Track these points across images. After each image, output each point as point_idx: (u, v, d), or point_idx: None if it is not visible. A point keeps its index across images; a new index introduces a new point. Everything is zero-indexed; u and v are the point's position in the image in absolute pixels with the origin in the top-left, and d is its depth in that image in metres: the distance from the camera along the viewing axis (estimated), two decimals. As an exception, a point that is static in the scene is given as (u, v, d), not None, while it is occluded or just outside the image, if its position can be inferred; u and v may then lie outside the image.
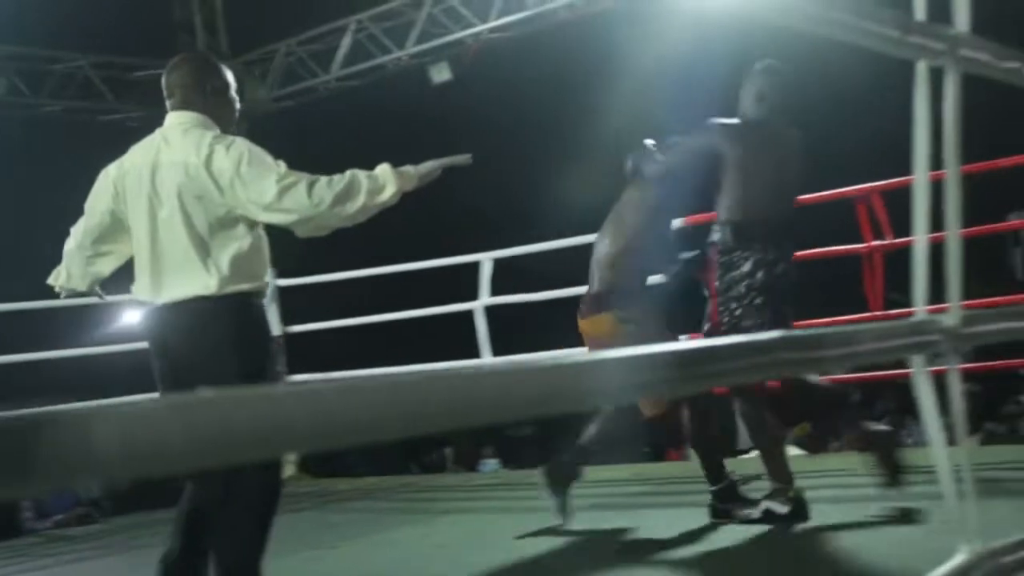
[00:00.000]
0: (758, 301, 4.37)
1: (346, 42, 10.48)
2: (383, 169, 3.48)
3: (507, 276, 7.31)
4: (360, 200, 3.38)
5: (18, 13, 9.62)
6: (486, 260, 7.25)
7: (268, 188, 3.28)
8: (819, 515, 4.47)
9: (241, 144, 3.36)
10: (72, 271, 3.77)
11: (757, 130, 4.51)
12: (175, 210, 3.33)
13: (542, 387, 0.93)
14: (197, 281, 3.31)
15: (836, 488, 5.23)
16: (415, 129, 14.14)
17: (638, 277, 4.84)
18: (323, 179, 3.33)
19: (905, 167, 1.63)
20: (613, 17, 9.46)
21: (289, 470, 8.40)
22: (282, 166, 3.33)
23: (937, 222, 1.62)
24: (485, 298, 7.12)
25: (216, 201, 3.31)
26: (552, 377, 0.94)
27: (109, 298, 4.18)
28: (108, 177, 3.60)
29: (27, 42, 10.39)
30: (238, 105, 3.67)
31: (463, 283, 7.44)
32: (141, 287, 3.45)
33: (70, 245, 3.75)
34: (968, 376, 7.89)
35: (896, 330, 1.54)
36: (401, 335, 8.77)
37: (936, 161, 1.61)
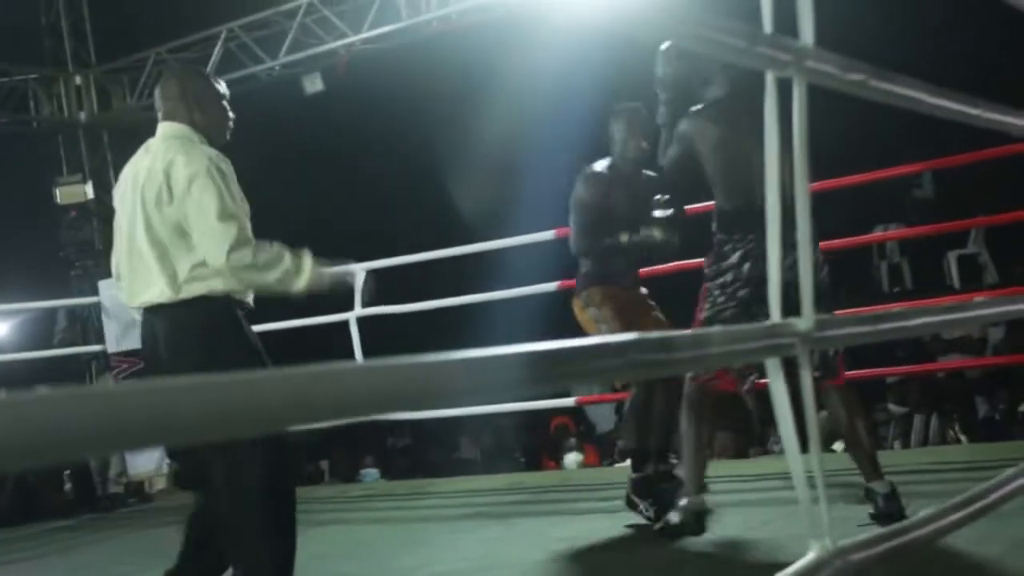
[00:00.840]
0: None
1: (217, 51, 10.35)
2: (307, 261, 3.46)
3: (383, 286, 7.28)
4: (272, 276, 3.38)
5: None
6: (359, 270, 7.20)
7: (202, 221, 3.29)
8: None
9: (203, 162, 3.35)
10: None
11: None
12: (141, 215, 3.37)
13: (387, 386, 0.94)
14: (155, 287, 3.35)
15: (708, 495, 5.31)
16: (288, 139, 14.04)
17: (594, 261, 4.87)
18: (253, 242, 3.33)
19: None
20: (486, 29, 9.51)
21: (160, 483, 8.26)
22: (230, 206, 3.32)
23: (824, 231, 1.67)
24: (358, 309, 7.09)
25: (172, 207, 3.33)
26: (396, 377, 0.95)
27: None
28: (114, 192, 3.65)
29: None
30: (230, 115, 3.65)
31: (338, 294, 7.39)
32: (122, 291, 3.56)
33: None
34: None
35: (749, 333, 1.58)
36: (277, 346, 8.67)
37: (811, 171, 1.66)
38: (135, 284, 3.43)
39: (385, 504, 5.30)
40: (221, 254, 3.27)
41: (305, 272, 3.44)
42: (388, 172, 14.99)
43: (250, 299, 3.53)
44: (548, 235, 6.49)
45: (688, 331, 1.35)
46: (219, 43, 10.33)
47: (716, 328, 1.35)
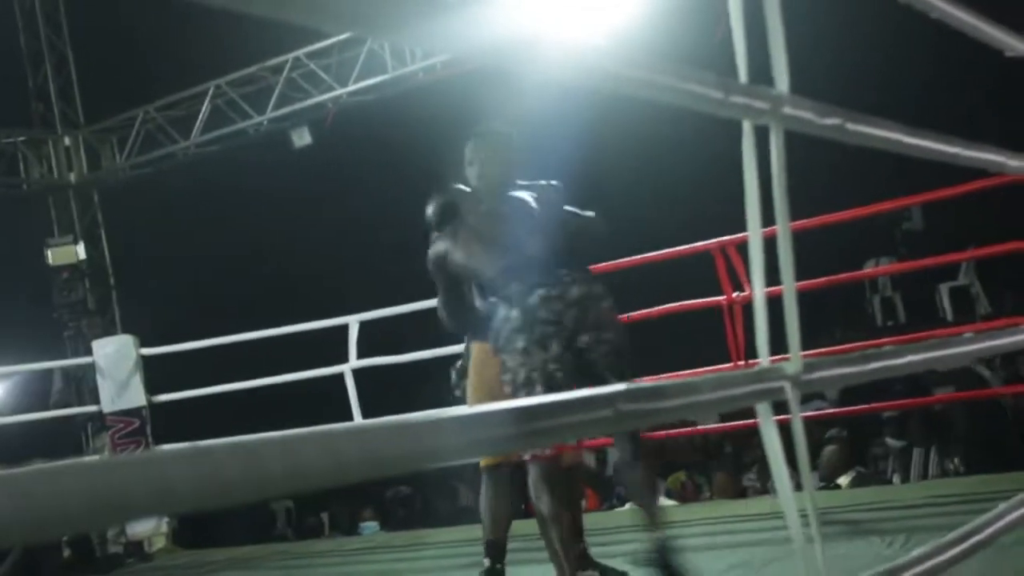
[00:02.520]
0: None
1: (205, 108, 10.40)
2: None
3: (375, 338, 7.29)
4: None
5: None
6: (353, 322, 7.22)
7: None
8: (696, 562, 4.54)
9: None
10: None
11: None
12: None
13: (379, 448, 0.95)
14: None
15: (706, 536, 5.31)
16: (277, 194, 14.08)
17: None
18: None
19: (767, 218, 1.70)
20: (471, 79, 9.58)
21: (159, 543, 8.22)
22: None
23: (802, 271, 1.69)
24: (353, 361, 7.09)
25: None
26: (388, 438, 0.96)
27: None
28: None
29: None
30: None
31: (329, 346, 7.41)
32: None
33: None
34: (835, 421, 8.12)
35: (739, 379, 1.59)
36: (271, 401, 8.67)
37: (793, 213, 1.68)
38: None
39: (386, 556, 5.28)
40: None
41: None
42: (377, 223, 15.03)
43: None
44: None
45: (673, 379, 1.36)
46: (207, 100, 10.39)
47: (703, 376, 1.36)
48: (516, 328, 3.91)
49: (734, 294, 6.47)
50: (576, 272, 4.02)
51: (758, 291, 1.65)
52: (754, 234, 1.64)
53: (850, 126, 1.80)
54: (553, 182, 4.40)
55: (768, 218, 1.67)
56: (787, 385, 1.57)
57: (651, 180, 13.64)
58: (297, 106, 9.91)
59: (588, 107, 10.90)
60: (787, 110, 1.63)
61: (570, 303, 3.89)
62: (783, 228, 1.64)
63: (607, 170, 13.05)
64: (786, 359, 1.61)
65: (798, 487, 1.66)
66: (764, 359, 1.62)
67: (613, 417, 1.24)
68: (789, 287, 1.65)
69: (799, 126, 1.67)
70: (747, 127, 1.61)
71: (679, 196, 13.41)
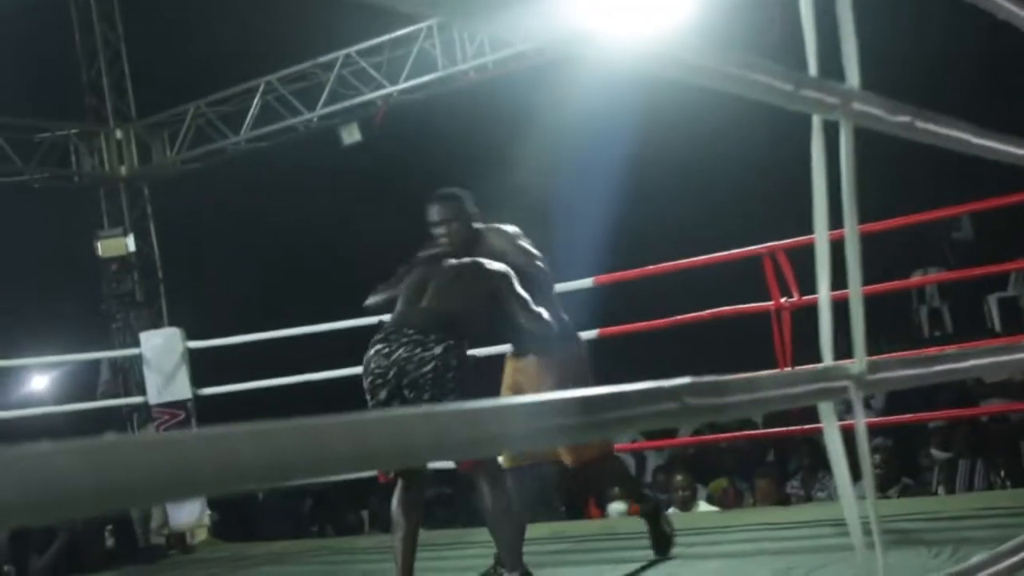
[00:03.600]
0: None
1: (256, 104, 10.46)
2: None
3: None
4: None
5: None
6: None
7: None
8: (733, 568, 4.52)
9: None
10: None
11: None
12: None
13: (430, 435, 0.93)
14: None
15: (749, 543, 5.27)
16: (326, 190, 14.13)
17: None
18: None
19: (808, 224, 1.67)
20: (522, 77, 9.58)
21: (201, 535, 8.25)
22: None
23: (842, 278, 1.66)
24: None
25: None
26: (438, 426, 0.95)
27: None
28: None
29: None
30: None
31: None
32: None
33: None
34: (881, 430, 8.04)
35: (802, 377, 1.57)
36: (315, 397, 8.70)
37: (838, 217, 1.65)
38: None
39: (426, 554, 5.25)
40: None
41: None
42: (425, 221, 15.03)
43: None
44: (586, 282, 6.49)
45: (741, 375, 1.34)
46: (257, 96, 10.45)
47: (768, 372, 1.34)
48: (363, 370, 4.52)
49: (782, 299, 6.43)
50: (432, 336, 4.43)
51: (823, 290, 1.63)
52: (820, 233, 1.62)
53: (919, 124, 1.77)
54: (487, 263, 4.71)
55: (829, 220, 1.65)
56: (851, 385, 1.55)
57: (698, 183, 13.57)
58: (347, 103, 9.94)
59: (636, 108, 10.89)
60: (857, 106, 1.61)
61: (393, 361, 4.38)
62: (851, 227, 1.61)
63: (654, 171, 13.01)
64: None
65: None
66: (827, 358, 1.59)
67: (679, 410, 1.22)
68: (855, 286, 1.63)
69: (869, 122, 1.64)
70: (816, 123, 1.59)
71: (721, 199, 13.33)
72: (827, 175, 1.64)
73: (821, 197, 1.59)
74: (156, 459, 0.76)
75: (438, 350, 4.43)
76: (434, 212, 4.88)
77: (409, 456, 0.92)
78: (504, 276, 4.65)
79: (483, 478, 4.50)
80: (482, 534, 6.77)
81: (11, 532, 7.68)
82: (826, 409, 1.56)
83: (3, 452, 0.69)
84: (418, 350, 4.41)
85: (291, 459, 0.84)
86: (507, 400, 0.98)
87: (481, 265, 4.70)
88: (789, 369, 5.27)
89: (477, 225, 4.90)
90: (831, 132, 1.64)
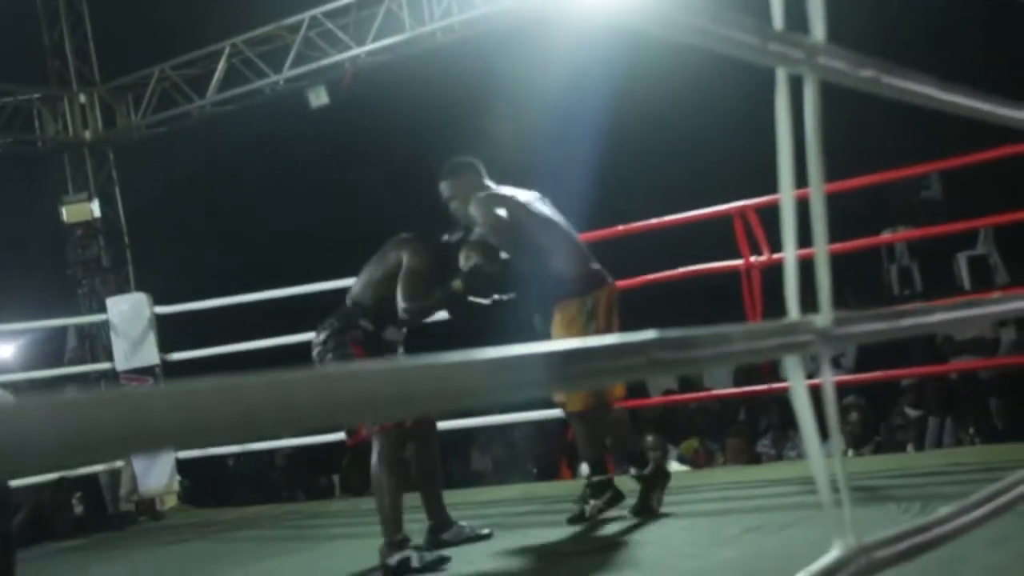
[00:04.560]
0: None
1: (221, 66, 10.36)
2: None
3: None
4: None
5: None
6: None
7: None
8: (710, 527, 4.55)
9: None
10: None
11: None
12: None
13: (413, 386, 0.93)
14: None
15: (720, 501, 5.30)
16: (293, 154, 14.05)
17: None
18: None
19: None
20: (490, 38, 9.52)
21: (171, 501, 8.24)
22: None
23: (811, 235, 1.65)
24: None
25: None
26: (423, 376, 0.94)
27: None
28: None
29: None
30: None
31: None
32: None
33: None
34: (855, 389, 8.09)
35: (769, 331, 1.56)
36: (284, 361, 8.68)
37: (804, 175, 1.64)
38: None
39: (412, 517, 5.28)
40: None
41: None
42: (394, 183, 15.00)
43: None
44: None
45: (708, 329, 1.34)
46: (223, 59, 10.35)
47: (734, 326, 1.33)
48: None
49: (752, 258, 6.45)
50: (326, 321, 4.91)
51: (789, 245, 1.62)
52: (785, 186, 1.61)
53: (885, 79, 1.77)
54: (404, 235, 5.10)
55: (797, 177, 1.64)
56: (817, 338, 1.55)
57: (672, 140, 13.57)
58: (314, 65, 9.86)
59: (607, 67, 10.85)
60: (822, 60, 1.60)
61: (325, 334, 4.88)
62: (816, 179, 1.61)
63: (627, 129, 12.98)
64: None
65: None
66: (793, 312, 1.59)
67: (646, 364, 1.22)
68: (821, 242, 1.62)
69: (834, 76, 1.63)
70: (781, 76, 1.58)
71: (697, 157, 13.33)
72: (794, 131, 1.63)
73: (786, 151, 1.59)
74: (119, 414, 0.75)
75: (321, 336, 4.86)
76: (441, 187, 5.13)
77: (374, 410, 0.91)
78: (412, 254, 4.84)
79: (375, 448, 4.82)
80: (453, 496, 6.79)
81: None
82: (792, 364, 1.56)
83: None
84: (314, 337, 4.91)
85: (258, 414, 0.83)
86: (473, 354, 0.97)
87: (402, 241, 4.85)
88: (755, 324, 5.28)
89: (484, 193, 5.01)
90: (798, 88, 1.63)
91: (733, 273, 6.59)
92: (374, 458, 4.81)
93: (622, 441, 5.31)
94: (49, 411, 0.72)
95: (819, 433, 1.63)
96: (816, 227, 1.58)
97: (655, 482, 5.05)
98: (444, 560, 4.61)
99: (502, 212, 4.93)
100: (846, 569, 1.50)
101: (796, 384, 1.57)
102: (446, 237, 4.99)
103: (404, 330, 5.02)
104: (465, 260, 4.86)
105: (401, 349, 5.06)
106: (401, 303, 4.80)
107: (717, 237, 6.87)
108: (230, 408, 0.82)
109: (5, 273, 12.35)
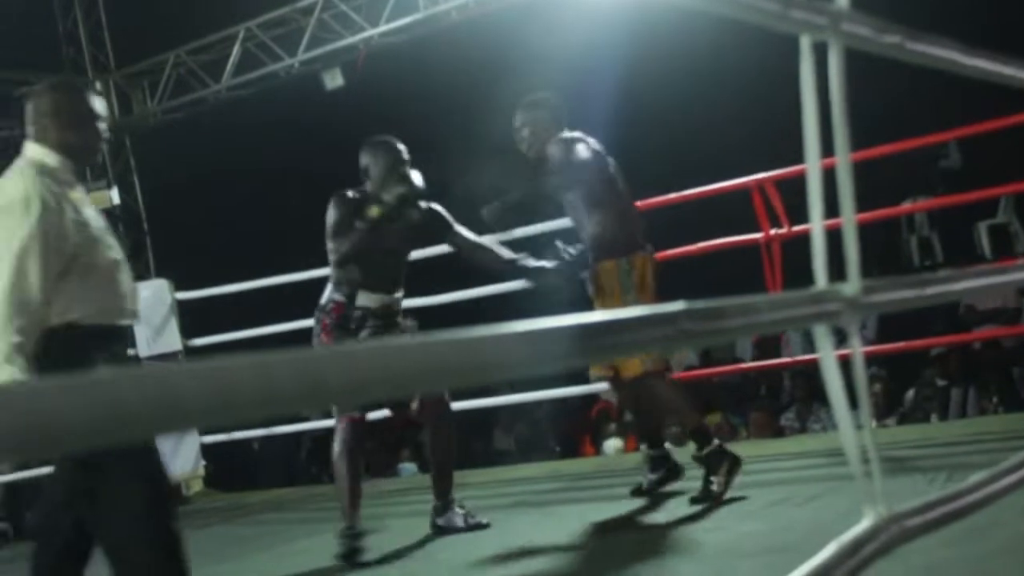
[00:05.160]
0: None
1: (236, 51, 10.35)
2: None
3: (409, 278, 7.27)
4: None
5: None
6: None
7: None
8: (735, 501, 4.55)
9: (16, 192, 3.17)
10: None
11: None
12: None
13: (441, 360, 0.92)
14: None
15: (746, 475, 5.29)
16: (310, 136, 14.04)
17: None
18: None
19: (798, 156, 1.65)
20: (505, 17, 9.48)
21: (196, 486, 8.28)
22: (17, 246, 3.12)
23: (833, 206, 1.64)
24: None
25: None
26: (451, 351, 0.94)
27: None
28: None
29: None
30: (104, 135, 3.48)
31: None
32: None
33: None
34: (876, 360, 8.07)
35: (797, 300, 1.55)
36: (307, 343, 8.69)
37: (829, 144, 1.63)
38: None
39: (424, 497, 5.28)
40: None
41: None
42: (414, 163, 14.96)
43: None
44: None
45: (736, 299, 1.33)
46: (237, 43, 10.34)
47: (763, 296, 1.32)
48: None
49: (772, 231, 6.43)
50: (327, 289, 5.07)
51: (816, 215, 1.61)
52: (811, 153, 1.60)
53: (909, 44, 1.75)
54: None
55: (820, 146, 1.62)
56: (845, 307, 1.54)
57: (691, 114, 13.52)
58: (328, 48, 9.84)
59: (621, 41, 10.79)
60: (846, 26, 1.58)
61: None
62: (842, 153, 1.59)
63: (645, 102, 12.94)
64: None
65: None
66: (821, 281, 1.58)
67: (675, 335, 1.21)
68: (849, 210, 1.61)
69: (858, 43, 1.62)
70: (805, 43, 1.56)
71: (716, 129, 13.28)
72: (817, 99, 1.62)
73: (812, 116, 1.57)
74: (147, 392, 0.75)
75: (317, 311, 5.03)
76: (515, 117, 5.12)
77: (402, 386, 0.90)
78: (327, 213, 4.90)
79: (337, 437, 4.84)
80: (478, 475, 6.81)
81: (5, 489, 7.68)
82: (821, 333, 1.55)
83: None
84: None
85: (287, 390, 0.83)
86: (505, 327, 0.97)
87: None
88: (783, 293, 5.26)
89: (561, 135, 4.97)
90: (820, 55, 1.62)
91: (747, 248, 6.58)
92: (336, 447, 4.84)
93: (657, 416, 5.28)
94: (80, 390, 0.72)
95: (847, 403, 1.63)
96: (843, 195, 1.56)
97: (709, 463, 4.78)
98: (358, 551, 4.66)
99: (585, 155, 4.91)
100: (878, 538, 1.50)
101: (826, 354, 1.56)
102: (351, 193, 4.93)
103: (394, 295, 5.00)
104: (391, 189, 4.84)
105: (394, 314, 5.03)
106: (330, 258, 4.90)
107: (730, 210, 6.85)
108: (260, 384, 0.82)
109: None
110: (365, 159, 5.01)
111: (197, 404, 0.78)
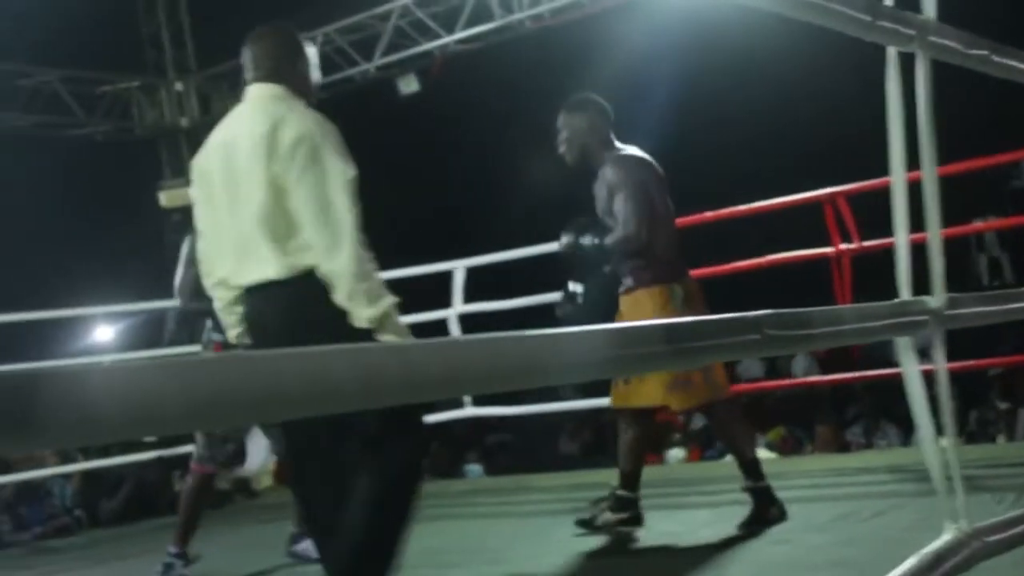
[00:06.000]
0: None
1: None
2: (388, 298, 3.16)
3: (481, 284, 7.31)
4: (364, 285, 3.08)
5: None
6: (459, 268, 7.25)
7: (313, 196, 3.08)
8: (800, 514, 4.52)
9: (310, 125, 3.17)
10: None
11: None
12: (243, 186, 3.11)
13: (530, 357, 0.95)
14: (267, 265, 3.08)
15: (811, 488, 5.27)
16: (384, 141, 14.15)
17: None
18: (360, 249, 3.10)
19: (867, 171, 1.66)
20: (579, 26, 9.51)
21: (266, 481, 8.36)
22: (338, 179, 3.14)
23: (912, 220, 1.64)
24: (459, 306, 7.12)
25: (277, 174, 3.07)
26: (538, 347, 0.96)
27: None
28: (193, 170, 3.38)
29: (-5, 57, 10.35)
30: (318, 82, 3.52)
31: (436, 292, 7.43)
32: (222, 269, 3.24)
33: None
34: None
35: (882, 311, 1.56)
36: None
37: (909, 160, 1.63)
38: (242, 262, 3.13)
39: (491, 499, 5.31)
40: (325, 233, 3.05)
41: (387, 307, 3.12)
42: (484, 169, 15.03)
43: None
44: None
45: (822, 308, 1.34)
46: (315, 47, 10.46)
47: (850, 306, 1.33)
48: None
49: (842, 245, 6.39)
50: None
51: (901, 227, 1.62)
52: (896, 165, 1.61)
53: (996, 58, 1.75)
54: None
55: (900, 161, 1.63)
56: (931, 319, 1.54)
57: (758, 127, 13.45)
58: (404, 54, 9.93)
59: (692, 53, 10.76)
60: (934, 38, 1.59)
61: None
62: (929, 164, 1.60)
63: (712, 115, 12.89)
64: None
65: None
66: (905, 293, 1.59)
67: (761, 341, 1.23)
68: (934, 224, 1.62)
69: (945, 55, 1.63)
70: (892, 54, 1.57)
71: (784, 142, 13.20)
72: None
73: (897, 126, 1.58)
74: (245, 377, 0.77)
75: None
76: (558, 118, 4.83)
77: (460, 386, 0.93)
78: None
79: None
80: (544, 480, 6.82)
81: (82, 477, 7.82)
82: (905, 345, 1.56)
83: (103, 368, 0.70)
84: None
85: (383, 379, 0.86)
86: (595, 327, 0.99)
87: None
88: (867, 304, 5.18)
89: (606, 141, 4.74)
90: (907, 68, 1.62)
91: (814, 261, 6.54)
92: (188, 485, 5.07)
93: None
94: (178, 372, 0.74)
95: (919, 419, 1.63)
96: (929, 208, 1.57)
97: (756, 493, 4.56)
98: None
99: (644, 176, 4.64)
100: (959, 553, 1.50)
101: (909, 367, 1.56)
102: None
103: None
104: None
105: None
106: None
107: (795, 224, 6.80)
108: (356, 374, 0.84)
109: (107, 258, 12.61)
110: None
111: (294, 390, 0.81)
